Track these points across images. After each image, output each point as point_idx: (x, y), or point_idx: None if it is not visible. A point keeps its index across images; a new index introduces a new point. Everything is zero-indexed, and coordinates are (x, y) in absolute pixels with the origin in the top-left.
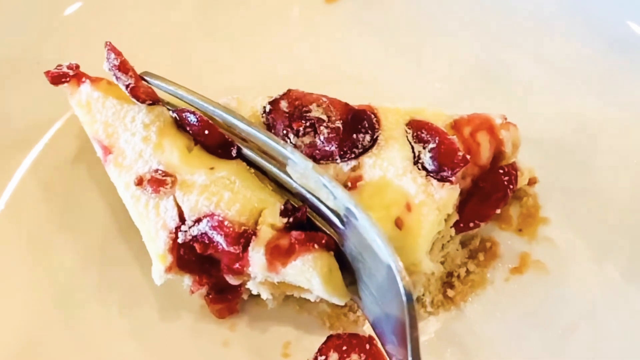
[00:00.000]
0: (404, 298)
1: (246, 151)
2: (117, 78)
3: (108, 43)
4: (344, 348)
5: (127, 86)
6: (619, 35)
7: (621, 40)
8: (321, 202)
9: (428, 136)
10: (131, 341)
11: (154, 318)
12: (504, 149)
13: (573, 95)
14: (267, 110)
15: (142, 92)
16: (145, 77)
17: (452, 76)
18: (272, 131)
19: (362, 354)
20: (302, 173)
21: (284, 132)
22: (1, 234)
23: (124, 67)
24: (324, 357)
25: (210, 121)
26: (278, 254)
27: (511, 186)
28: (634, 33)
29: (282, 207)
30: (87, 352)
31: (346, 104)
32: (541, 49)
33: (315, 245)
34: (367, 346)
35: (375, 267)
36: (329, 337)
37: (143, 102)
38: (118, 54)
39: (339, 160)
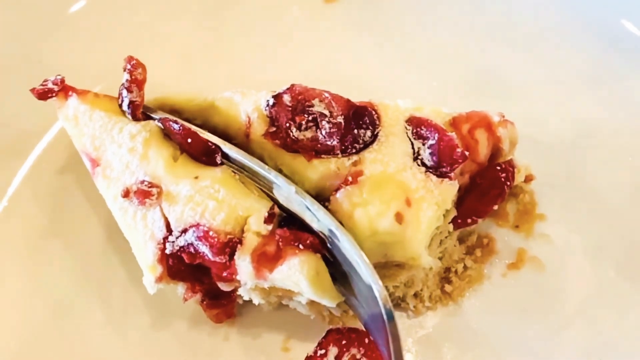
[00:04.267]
0: (385, 317)
1: (234, 154)
2: (128, 91)
3: (134, 58)
4: (344, 342)
5: (131, 102)
6: (613, 34)
7: (616, 39)
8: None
9: (427, 133)
10: (126, 348)
11: (153, 320)
12: (501, 146)
13: (569, 94)
14: (271, 103)
15: (140, 112)
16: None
17: (449, 75)
18: (276, 124)
19: (361, 348)
20: (287, 197)
21: (287, 125)
22: None
23: (141, 84)
24: (323, 351)
25: (192, 129)
26: (265, 261)
27: (508, 183)
28: (629, 32)
29: (267, 214)
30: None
31: (348, 100)
32: (537, 48)
33: (301, 246)
34: (366, 340)
35: (361, 284)
36: (329, 332)
37: (137, 120)
38: (144, 69)
39: (340, 155)
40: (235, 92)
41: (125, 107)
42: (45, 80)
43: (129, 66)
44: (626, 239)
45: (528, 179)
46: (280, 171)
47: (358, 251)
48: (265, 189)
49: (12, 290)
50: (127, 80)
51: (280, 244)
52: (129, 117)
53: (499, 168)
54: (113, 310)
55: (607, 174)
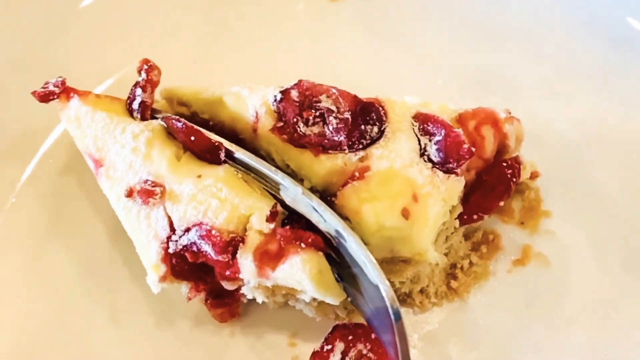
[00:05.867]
0: (392, 317)
1: (240, 155)
2: (143, 90)
3: (150, 60)
4: (350, 338)
5: (143, 102)
6: (619, 32)
7: (621, 37)
8: None
9: (434, 129)
10: (130, 347)
11: (157, 319)
12: (507, 142)
13: (574, 92)
14: (278, 99)
15: (148, 112)
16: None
17: (454, 74)
18: (283, 119)
19: (367, 344)
20: (293, 198)
21: (294, 120)
22: None
23: (155, 86)
24: (330, 347)
25: (195, 127)
26: (267, 259)
27: (514, 179)
28: (634, 29)
29: (269, 212)
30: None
31: (355, 96)
32: (542, 46)
33: (302, 244)
34: (373, 336)
35: (367, 285)
36: (335, 327)
37: (144, 120)
38: (159, 72)
39: (347, 151)
40: (244, 87)
41: (136, 105)
42: (47, 83)
43: (146, 66)
44: (631, 236)
45: (533, 175)
46: (287, 166)
47: (365, 251)
48: (272, 190)
49: (15, 289)
50: (143, 80)
51: (282, 242)
52: (138, 116)
53: (505, 164)
54: (117, 310)
55: (613, 171)
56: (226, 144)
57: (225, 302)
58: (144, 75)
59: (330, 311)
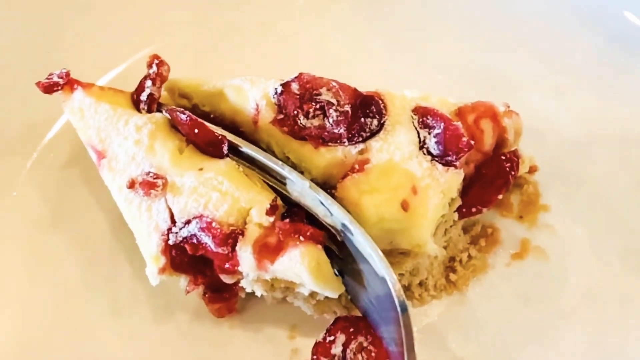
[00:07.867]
0: (399, 309)
1: (245, 149)
2: (153, 83)
3: (161, 57)
4: (351, 330)
5: (150, 95)
6: (616, 26)
7: (619, 32)
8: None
9: (433, 122)
10: (129, 340)
11: (156, 312)
12: (506, 136)
13: (573, 87)
14: (279, 91)
15: (155, 106)
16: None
17: (454, 68)
18: (284, 112)
19: (368, 337)
20: (300, 192)
21: (295, 112)
22: None
23: (164, 80)
24: (332, 338)
25: (199, 120)
26: (266, 252)
27: (513, 172)
28: (632, 24)
29: (269, 205)
30: (83, 354)
31: (355, 89)
32: (541, 42)
33: (301, 238)
34: (373, 329)
35: (372, 278)
36: (337, 319)
37: (150, 112)
38: (169, 69)
39: (347, 143)
40: (245, 80)
41: (144, 97)
42: (51, 74)
43: (156, 61)
44: (629, 230)
45: (532, 169)
46: (287, 159)
47: (372, 244)
48: (277, 185)
49: (17, 281)
50: (153, 73)
51: (281, 236)
52: (144, 107)
53: (503, 158)
54: (118, 301)
55: (611, 164)
56: (231, 137)
57: (224, 297)
58: (154, 68)
59: (329, 309)
